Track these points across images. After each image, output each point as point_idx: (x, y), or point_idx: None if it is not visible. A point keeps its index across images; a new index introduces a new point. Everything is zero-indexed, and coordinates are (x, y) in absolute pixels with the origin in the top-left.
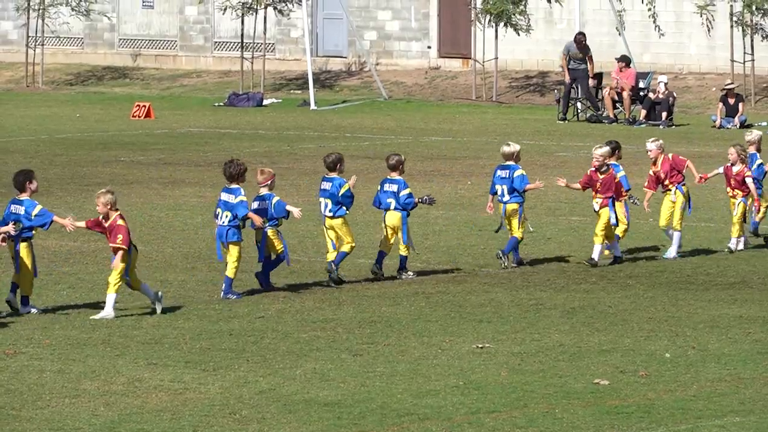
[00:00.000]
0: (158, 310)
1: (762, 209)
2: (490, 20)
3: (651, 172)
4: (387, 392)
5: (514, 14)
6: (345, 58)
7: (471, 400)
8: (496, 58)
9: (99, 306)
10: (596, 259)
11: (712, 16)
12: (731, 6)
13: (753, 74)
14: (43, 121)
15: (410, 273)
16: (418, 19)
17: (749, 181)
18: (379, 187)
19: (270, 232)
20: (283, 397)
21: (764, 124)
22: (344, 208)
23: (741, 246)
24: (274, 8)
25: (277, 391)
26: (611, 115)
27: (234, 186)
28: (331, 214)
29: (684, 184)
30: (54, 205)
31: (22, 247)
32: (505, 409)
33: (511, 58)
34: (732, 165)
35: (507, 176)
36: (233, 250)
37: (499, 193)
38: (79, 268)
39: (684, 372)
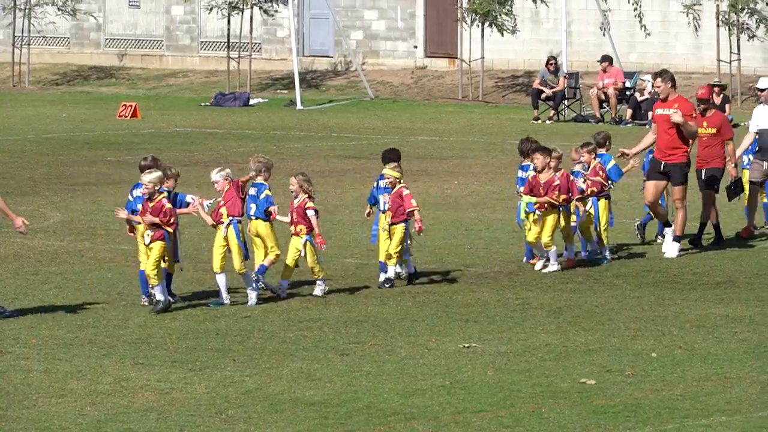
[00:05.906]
0: None
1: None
2: (476, 20)
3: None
4: (373, 392)
5: (500, 14)
6: (331, 57)
7: (457, 400)
8: (483, 57)
9: (85, 306)
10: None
11: (698, 15)
12: (717, 5)
13: (739, 74)
14: (30, 121)
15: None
16: (404, 18)
17: (310, 213)
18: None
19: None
20: (270, 396)
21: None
22: None
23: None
24: (260, 8)
25: (264, 391)
26: (597, 115)
27: (525, 163)
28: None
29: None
30: (40, 204)
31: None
32: (492, 409)
33: (497, 58)
34: (295, 197)
35: None
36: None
37: None
38: (66, 268)
39: (670, 371)
